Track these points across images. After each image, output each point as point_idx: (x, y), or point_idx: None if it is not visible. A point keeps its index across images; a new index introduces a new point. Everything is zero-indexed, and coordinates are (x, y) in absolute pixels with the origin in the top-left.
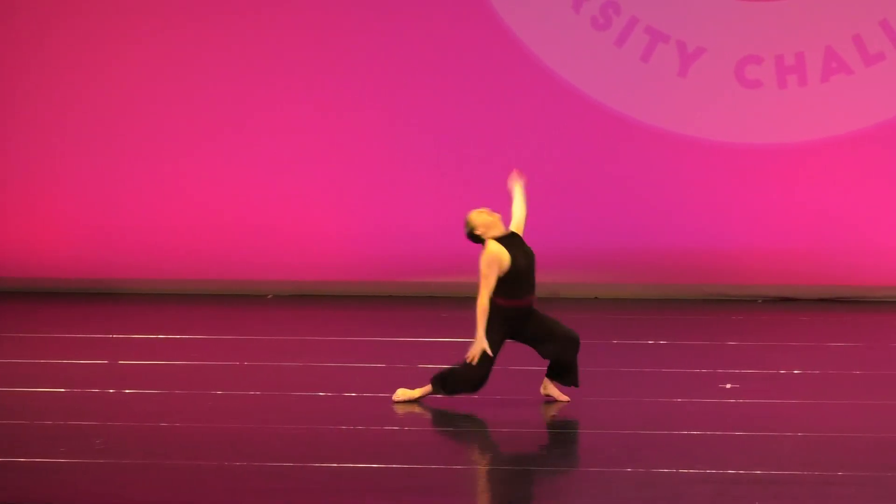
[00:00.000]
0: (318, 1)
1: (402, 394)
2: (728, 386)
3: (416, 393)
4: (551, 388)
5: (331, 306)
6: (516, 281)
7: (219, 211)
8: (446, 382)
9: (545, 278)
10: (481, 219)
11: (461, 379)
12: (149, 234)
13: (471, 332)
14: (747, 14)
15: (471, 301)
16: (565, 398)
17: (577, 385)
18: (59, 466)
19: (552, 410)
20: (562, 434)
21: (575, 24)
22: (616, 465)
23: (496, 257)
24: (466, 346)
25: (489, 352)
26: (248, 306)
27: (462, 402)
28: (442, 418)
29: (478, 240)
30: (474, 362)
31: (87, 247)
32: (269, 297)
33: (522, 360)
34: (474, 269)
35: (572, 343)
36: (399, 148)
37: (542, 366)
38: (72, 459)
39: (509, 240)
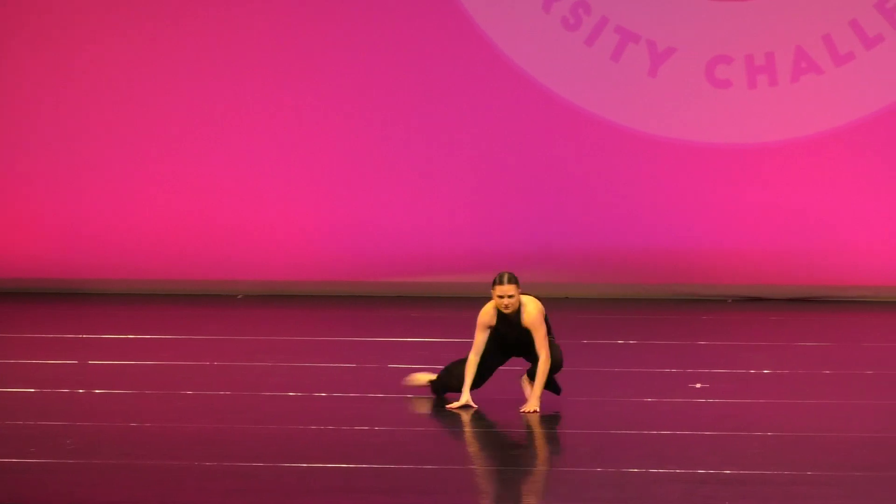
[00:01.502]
0: (293, 2)
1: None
2: (698, 386)
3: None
4: (526, 387)
5: (301, 306)
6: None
7: (188, 211)
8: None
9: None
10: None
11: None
12: (118, 235)
13: (448, 331)
14: (717, 14)
15: (441, 301)
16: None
17: (558, 392)
18: (29, 467)
19: (522, 410)
20: (532, 434)
21: (545, 23)
22: (586, 464)
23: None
24: (434, 345)
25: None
26: (217, 306)
27: (431, 402)
28: (412, 418)
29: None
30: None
31: (57, 247)
32: (239, 297)
33: None
34: (444, 269)
35: (555, 366)
36: (369, 148)
37: (518, 366)
38: (42, 460)
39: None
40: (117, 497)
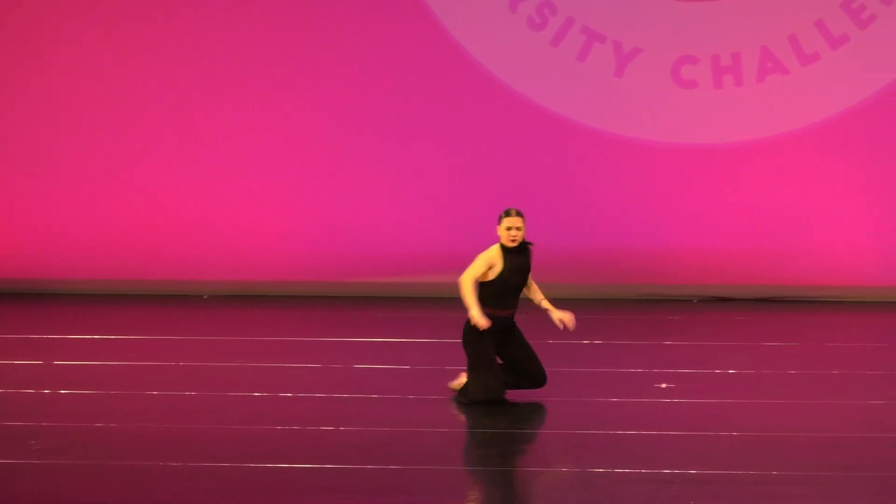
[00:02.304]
0: (260, 5)
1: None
2: (664, 385)
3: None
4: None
5: (266, 306)
6: (501, 293)
7: (155, 211)
8: (466, 394)
9: None
10: (503, 232)
11: (474, 388)
12: (84, 235)
13: (416, 332)
14: (683, 14)
15: (409, 302)
16: None
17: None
18: None
19: (489, 410)
20: (498, 434)
21: (511, 24)
22: (552, 464)
23: (490, 258)
24: (401, 346)
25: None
26: (183, 306)
27: (397, 402)
28: (376, 418)
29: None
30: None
31: (22, 247)
32: (205, 297)
33: (460, 361)
34: (410, 269)
35: (538, 383)
36: (337, 149)
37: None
38: (7, 460)
39: (516, 252)
40: (83, 498)
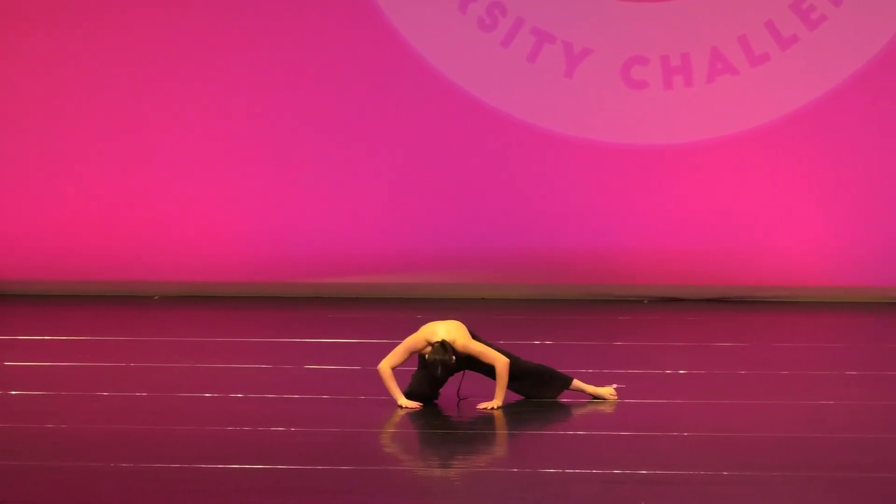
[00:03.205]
0: (205, 1)
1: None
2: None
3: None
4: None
5: (217, 307)
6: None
7: (104, 211)
8: None
9: (432, 279)
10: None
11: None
12: (33, 235)
13: (365, 332)
14: (633, 15)
15: (358, 302)
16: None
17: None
18: None
19: (438, 411)
20: (449, 435)
21: (461, 24)
22: (502, 465)
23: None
24: (350, 346)
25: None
26: (134, 307)
27: (347, 403)
28: (327, 419)
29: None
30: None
31: None
32: (156, 297)
33: (409, 362)
34: (360, 270)
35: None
36: (286, 149)
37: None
38: None
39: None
40: (34, 498)
